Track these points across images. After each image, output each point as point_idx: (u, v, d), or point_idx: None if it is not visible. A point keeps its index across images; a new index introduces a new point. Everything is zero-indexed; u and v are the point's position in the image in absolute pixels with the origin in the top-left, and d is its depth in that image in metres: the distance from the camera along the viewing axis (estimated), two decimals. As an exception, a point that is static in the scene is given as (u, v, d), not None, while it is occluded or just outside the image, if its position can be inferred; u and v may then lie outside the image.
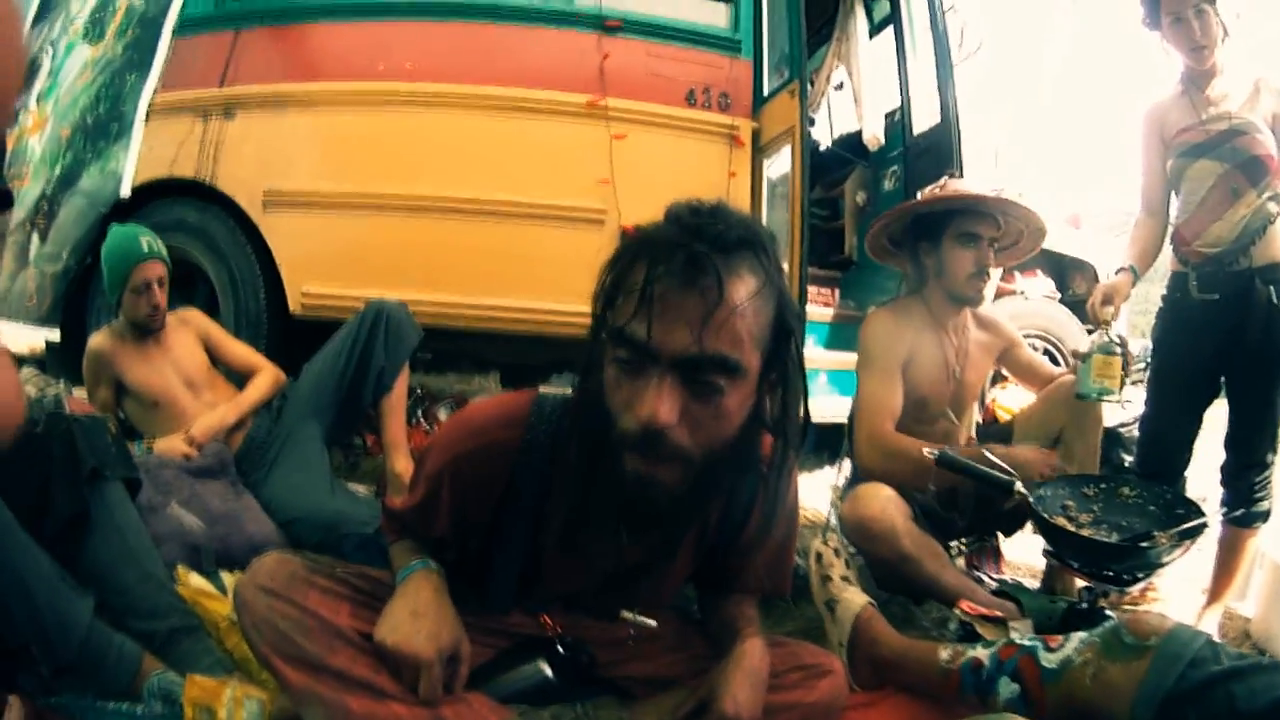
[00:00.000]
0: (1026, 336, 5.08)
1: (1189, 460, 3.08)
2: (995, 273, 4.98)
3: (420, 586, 1.53)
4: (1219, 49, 2.93)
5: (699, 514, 1.55)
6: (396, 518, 1.73)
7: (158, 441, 3.05)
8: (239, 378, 3.40)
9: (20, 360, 4.71)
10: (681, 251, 1.24)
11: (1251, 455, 2.93)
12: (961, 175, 4.21)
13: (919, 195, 3.05)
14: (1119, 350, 2.58)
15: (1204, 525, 2.18)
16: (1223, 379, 3.01)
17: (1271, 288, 2.83)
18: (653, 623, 1.63)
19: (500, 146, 4.08)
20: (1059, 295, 5.78)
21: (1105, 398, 2.61)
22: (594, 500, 1.43)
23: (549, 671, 1.56)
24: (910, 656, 2.01)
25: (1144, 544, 2.16)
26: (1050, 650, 1.70)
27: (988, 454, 2.52)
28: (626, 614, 1.63)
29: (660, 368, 1.24)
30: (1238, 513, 2.87)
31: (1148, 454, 3.19)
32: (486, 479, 1.55)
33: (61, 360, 4.43)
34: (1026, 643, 1.77)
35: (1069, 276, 6.00)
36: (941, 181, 3.00)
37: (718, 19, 4.36)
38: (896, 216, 3.00)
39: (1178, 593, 3.18)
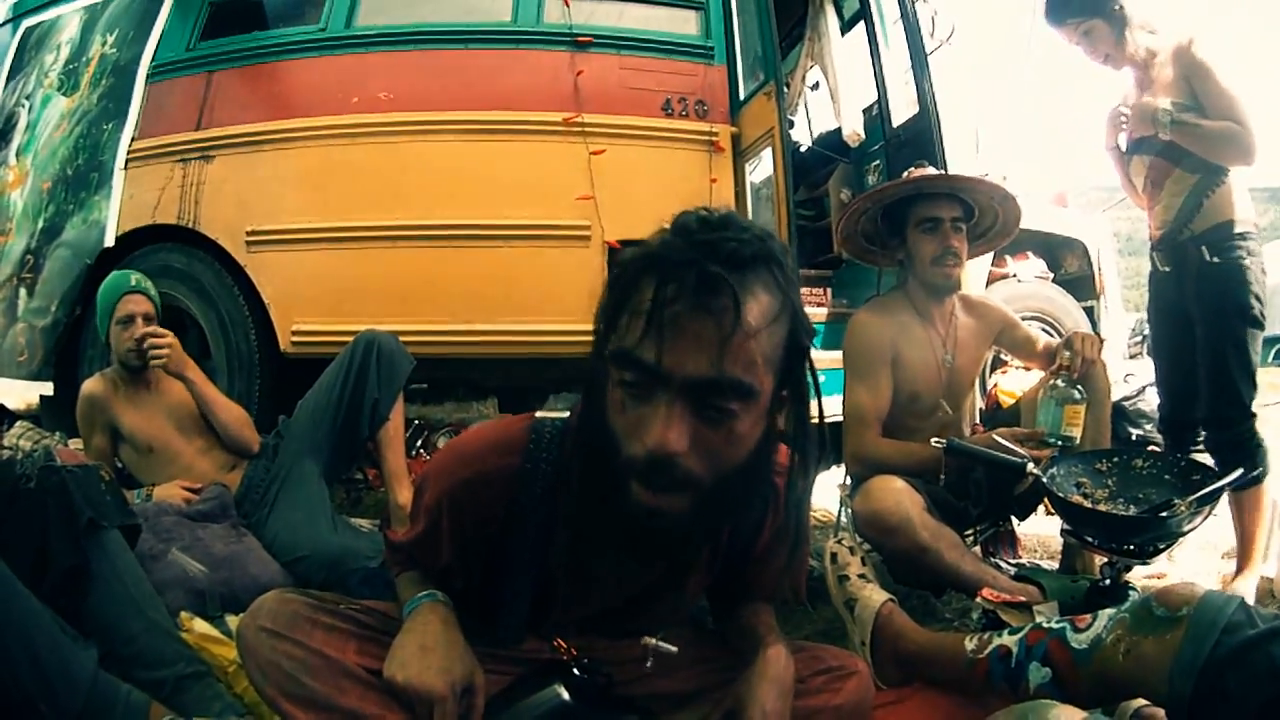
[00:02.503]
0: (1023, 319, 5.07)
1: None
2: (985, 259, 4.98)
3: (428, 619, 1.50)
4: (1129, 45, 3.05)
5: (710, 538, 1.52)
6: (400, 550, 1.70)
7: (157, 489, 3.03)
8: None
9: (14, 416, 4.70)
10: (693, 270, 1.16)
11: (1222, 410, 2.99)
12: (944, 164, 4.20)
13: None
14: (1082, 398, 2.62)
15: (1222, 489, 2.16)
16: None
17: (1204, 248, 2.95)
18: (674, 649, 1.57)
19: (480, 170, 4.07)
20: (1051, 275, 5.77)
21: (1067, 442, 2.62)
22: (599, 531, 1.38)
23: (566, 695, 1.52)
24: (936, 649, 1.98)
25: (1163, 514, 2.14)
26: (1079, 631, 1.67)
27: (997, 438, 2.51)
28: (649, 640, 1.57)
29: (670, 392, 1.17)
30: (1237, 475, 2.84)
31: (1164, 406, 3.34)
32: (485, 507, 1.50)
33: (56, 414, 4.42)
34: (1054, 625, 1.74)
35: (1060, 256, 6.01)
36: (905, 173, 2.98)
37: (688, 27, 4.37)
38: (853, 216, 3.00)
39: (1197, 558, 3.17)
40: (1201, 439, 3.13)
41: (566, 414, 1.51)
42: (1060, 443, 2.59)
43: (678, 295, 1.16)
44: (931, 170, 3.03)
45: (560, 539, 1.49)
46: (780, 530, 1.54)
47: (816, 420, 1.35)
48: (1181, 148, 2.95)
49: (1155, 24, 3.06)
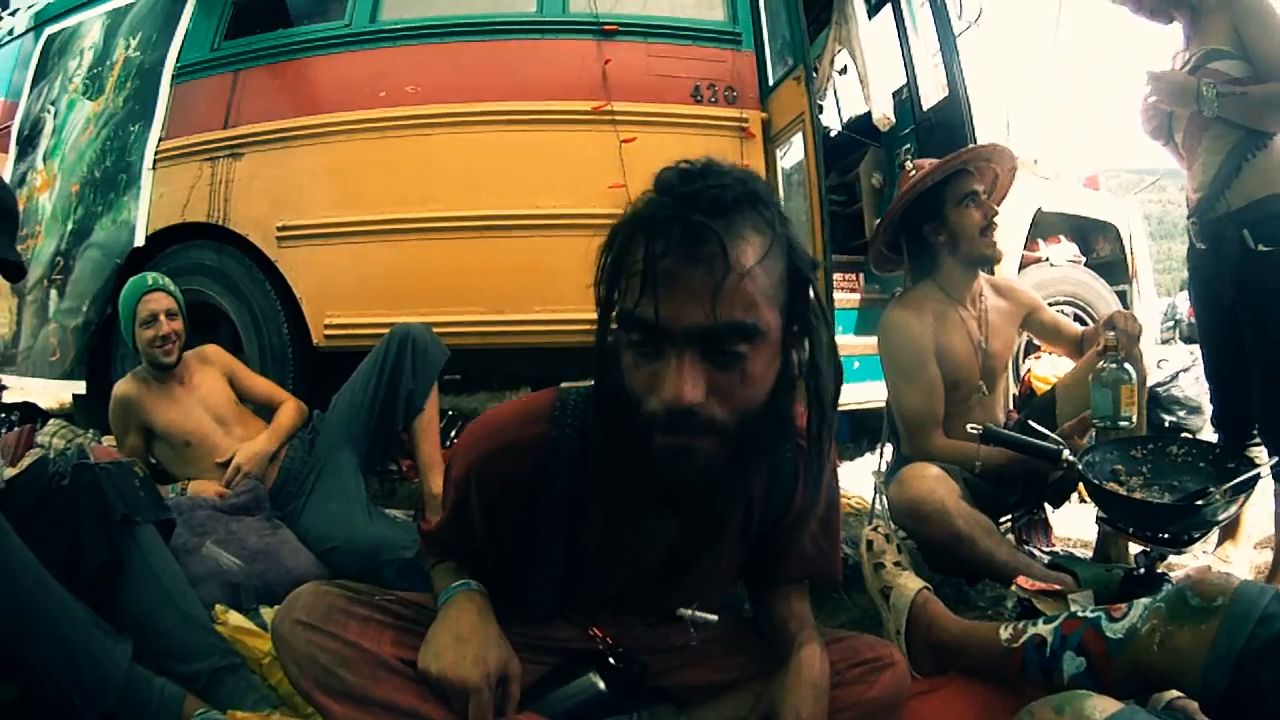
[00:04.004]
0: (1055, 304, 5.04)
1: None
2: (1018, 244, 4.95)
3: (463, 609, 1.49)
4: None
5: (742, 486, 1.47)
6: (433, 538, 1.70)
7: (192, 484, 3.06)
8: (264, 413, 3.41)
9: (47, 414, 4.75)
10: (679, 223, 1.18)
11: (1268, 406, 2.80)
12: (973, 144, 4.16)
13: (900, 190, 2.98)
14: (1132, 378, 2.50)
15: (1257, 477, 2.12)
16: None
17: (1245, 231, 2.71)
18: (713, 617, 1.57)
19: (510, 161, 4.06)
20: (1083, 259, 5.73)
21: (1123, 424, 2.50)
22: (631, 485, 1.37)
23: (601, 684, 1.52)
24: (970, 639, 1.95)
25: (1199, 502, 2.09)
26: (1114, 620, 1.64)
27: (1032, 424, 2.48)
28: (684, 611, 1.56)
29: (676, 346, 1.19)
30: (1274, 462, 2.67)
31: (1214, 398, 3.12)
32: (514, 478, 1.49)
33: (89, 412, 4.47)
34: (1089, 615, 1.71)
35: (1092, 239, 5.96)
36: (909, 170, 2.97)
37: (715, 13, 4.33)
38: (896, 214, 2.96)
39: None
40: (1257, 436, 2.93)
41: (591, 382, 1.50)
42: (1120, 425, 2.50)
43: (666, 250, 1.18)
44: (929, 161, 2.98)
45: (589, 504, 1.49)
46: (808, 488, 1.53)
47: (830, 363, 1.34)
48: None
49: None
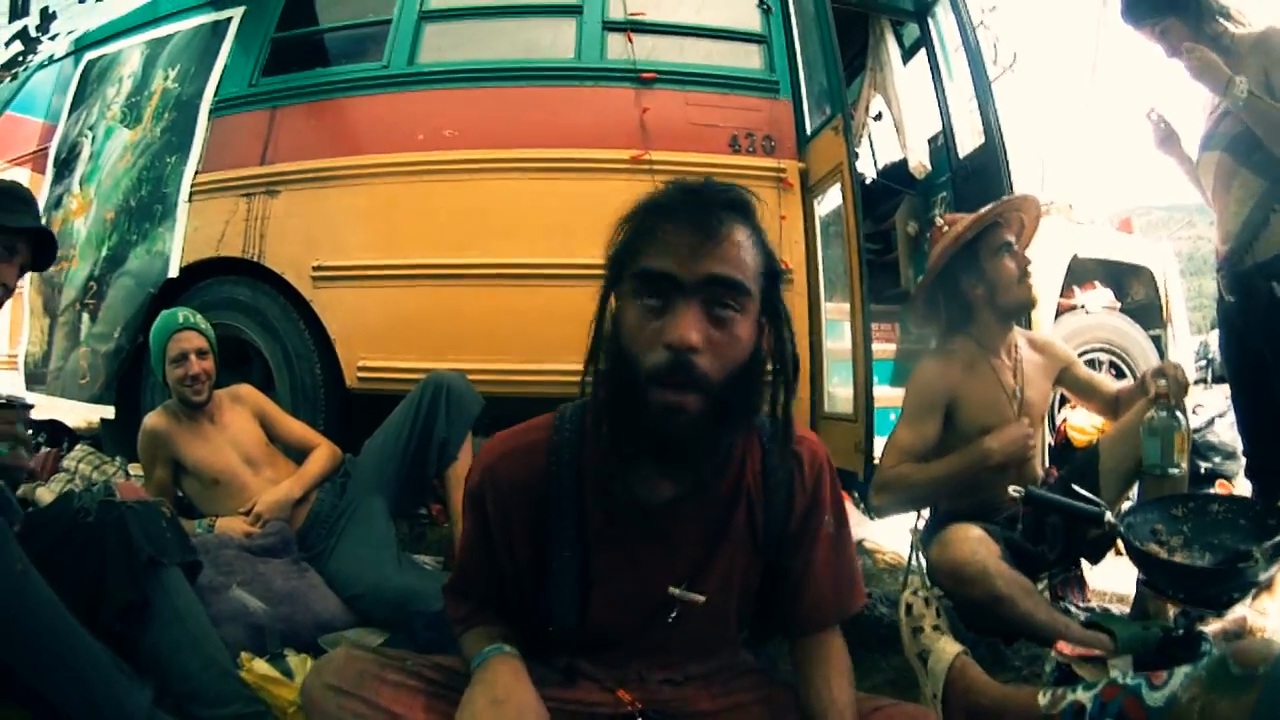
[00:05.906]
0: (1091, 351, 5.00)
1: None
2: (1054, 291, 4.92)
3: (498, 672, 1.49)
4: (1208, 41, 2.84)
5: (723, 447, 1.53)
6: (456, 589, 1.75)
7: (220, 521, 3.06)
8: (295, 454, 3.40)
9: (76, 436, 4.76)
10: (690, 204, 1.44)
11: None
12: (1012, 193, 4.14)
13: (937, 245, 3.00)
14: (1181, 425, 2.52)
15: None
16: None
17: (1274, 283, 2.73)
18: (700, 598, 1.58)
19: (548, 208, 4.04)
20: (1118, 305, 5.69)
21: (1173, 470, 2.52)
22: (624, 443, 1.48)
23: (634, 746, 1.51)
24: (1009, 704, 1.94)
25: (1240, 564, 2.10)
26: (1154, 688, 1.62)
27: (1074, 487, 2.46)
28: (674, 590, 1.58)
29: (685, 295, 1.37)
30: None
31: (1248, 450, 3.14)
32: (522, 482, 1.59)
33: (116, 437, 4.48)
34: (1129, 682, 1.69)
35: (1127, 284, 5.92)
36: (940, 226, 3.02)
37: (751, 60, 4.33)
38: (936, 271, 2.96)
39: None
40: None
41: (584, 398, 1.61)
42: (1170, 473, 2.52)
43: (681, 221, 1.42)
44: (957, 216, 3.01)
45: (593, 506, 1.57)
46: (810, 509, 1.65)
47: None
48: (1250, 144, 2.75)
49: (1245, 15, 2.87)
